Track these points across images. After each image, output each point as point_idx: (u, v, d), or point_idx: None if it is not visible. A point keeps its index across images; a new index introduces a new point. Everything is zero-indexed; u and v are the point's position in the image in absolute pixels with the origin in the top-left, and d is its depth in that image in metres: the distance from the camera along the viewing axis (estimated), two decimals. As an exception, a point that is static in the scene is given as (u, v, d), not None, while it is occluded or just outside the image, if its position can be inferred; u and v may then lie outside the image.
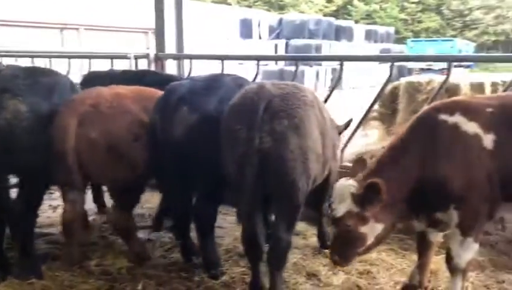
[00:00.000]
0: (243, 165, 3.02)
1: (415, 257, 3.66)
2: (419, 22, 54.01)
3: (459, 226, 2.94)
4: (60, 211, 5.25)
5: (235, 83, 3.72)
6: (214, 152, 3.30)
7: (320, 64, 24.61)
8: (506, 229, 4.32)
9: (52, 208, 5.38)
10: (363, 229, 2.98)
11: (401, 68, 29.53)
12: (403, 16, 53.50)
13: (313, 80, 24.34)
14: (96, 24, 19.01)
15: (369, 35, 31.88)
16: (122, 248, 4.19)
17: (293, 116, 3.03)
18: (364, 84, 21.77)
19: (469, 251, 2.99)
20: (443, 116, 2.96)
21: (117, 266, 3.91)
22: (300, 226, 4.79)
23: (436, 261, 3.87)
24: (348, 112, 5.51)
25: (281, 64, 23.63)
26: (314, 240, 4.49)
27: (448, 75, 4.48)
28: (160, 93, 3.79)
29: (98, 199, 5.25)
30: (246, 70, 5.49)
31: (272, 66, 24.30)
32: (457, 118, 2.92)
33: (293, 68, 23.17)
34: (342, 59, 5.20)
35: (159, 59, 6.32)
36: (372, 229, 3.00)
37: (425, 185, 2.94)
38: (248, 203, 3.10)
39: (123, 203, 3.84)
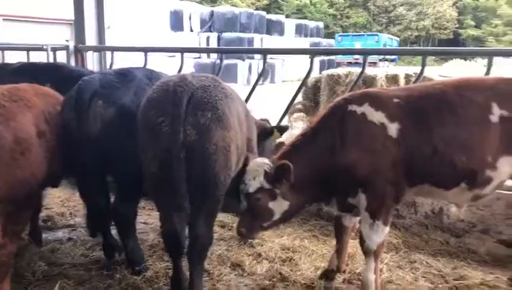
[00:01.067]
0: (168, 160, 2.91)
1: (335, 242, 3.80)
2: (348, 17, 55.95)
3: (367, 209, 3.10)
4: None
5: (147, 76, 3.65)
6: (132, 147, 3.21)
7: (253, 58, 24.82)
8: (418, 212, 4.60)
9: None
10: (271, 204, 3.17)
11: (330, 62, 30.53)
12: (332, 11, 55.15)
13: (246, 73, 24.51)
14: (17, 14, 17.88)
15: (300, 30, 32.57)
16: (37, 250, 4.02)
17: (216, 108, 3.00)
18: (295, 77, 22.24)
19: (379, 234, 3.12)
20: (352, 107, 3.13)
21: (34, 269, 3.74)
22: (227, 218, 4.84)
23: (353, 245, 4.06)
24: (278, 104, 5.62)
25: (214, 57, 23.56)
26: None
27: (363, 67, 4.68)
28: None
29: None
30: (178, 63, 5.38)
31: (204, 59, 24.18)
32: (365, 108, 3.08)
33: (226, 61, 23.24)
34: (265, 52, 5.26)
35: (79, 51, 6.07)
36: (279, 206, 3.18)
37: (336, 170, 3.10)
38: (176, 199, 2.96)
39: None
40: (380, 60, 25.91)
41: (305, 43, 30.90)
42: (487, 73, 4.20)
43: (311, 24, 35.86)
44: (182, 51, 5.57)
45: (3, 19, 17.79)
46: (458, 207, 3.85)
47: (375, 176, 3.04)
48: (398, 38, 44.78)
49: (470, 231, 4.35)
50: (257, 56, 24.36)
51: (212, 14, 26.62)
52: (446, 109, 3.01)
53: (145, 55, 5.60)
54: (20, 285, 3.50)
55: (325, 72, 6.98)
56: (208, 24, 25.77)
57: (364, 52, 4.93)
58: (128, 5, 20.21)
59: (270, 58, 25.24)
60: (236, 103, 3.29)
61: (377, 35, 35.85)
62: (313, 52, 5.07)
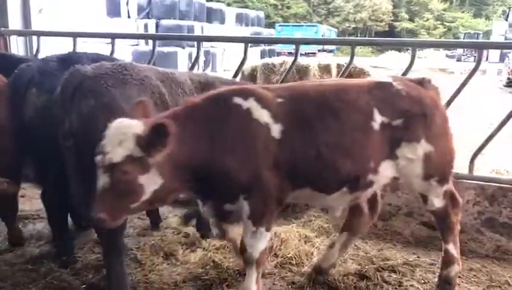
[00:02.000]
0: (64, 149, 3.00)
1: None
2: (288, 7, 56.57)
3: (250, 217, 2.82)
4: None
5: (94, 61, 3.53)
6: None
7: (193, 46, 24.48)
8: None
9: None
10: (142, 179, 2.53)
11: (271, 51, 30.75)
12: (273, 1, 55.50)
13: (186, 62, 24.16)
14: None
15: (241, 19, 32.48)
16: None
17: (102, 96, 2.96)
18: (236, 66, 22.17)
19: (262, 241, 2.89)
20: (237, 100, 2.81)
21: None
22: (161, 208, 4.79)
23: (287, 230, 4.16)
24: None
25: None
26: (173, 221, 4.51)
27: (296, 56, 4.75)
28: None
29: None
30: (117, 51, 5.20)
31: (143, 46, 23.54)
32: (251, 104, 2.79)
33: (165, 49, 22.59)
34: (199, 39, 5.21)
35: (2, 35, 5.71)
36: (151, 182, 2.56)
37: (213, 170, 2.71)
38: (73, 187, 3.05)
39: None
40: (319, 51, 26.46)
41: (245, 32, 30.88)
42: (410, 64, 4.40)
43: (252, 13, 35.87)
44: (114, 36, 5.39)
45: None
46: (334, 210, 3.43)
47: (257, 182, 2.73)
48: (336, 30, 45.88)
49: (396, 214, 4.57)
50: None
51: (150, 0, 25.94)
52: (329, 113, 2.88)
53: (74, 41, 5.37)
54: None
55: (261, 61, 7.04)
56: (145, 10, 25.07)
57: (294, 42, 5.00)
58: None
59: (211, 47, 25.00)
60: (151, 90, 3.19)
61: (315, 26, 36.56)
62: (246, 41, 5.07)
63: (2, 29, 5.76)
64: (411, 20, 59.02)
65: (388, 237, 4.39)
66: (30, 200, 5.03)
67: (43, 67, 3.48)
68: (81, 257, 3.77)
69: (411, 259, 3.90)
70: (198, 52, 5.12)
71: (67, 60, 3.51)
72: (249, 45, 5.03)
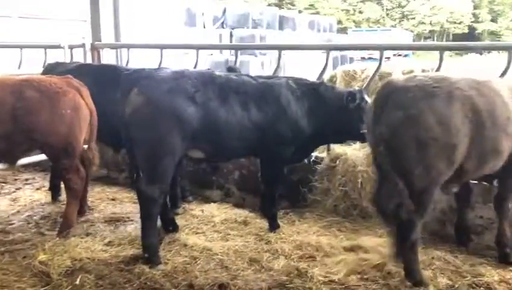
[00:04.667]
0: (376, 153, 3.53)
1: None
2: (361, 12, 55.50)
3: None
4: None
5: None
6: None
7: (265, 54, 24.75)
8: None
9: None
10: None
11: (343, 57, 30.34)
12: (345, 6, 54.78)
13: (259, 70, 24.48)
14: (31, 13, 18.09)
15: (312, 25, 32.38)
16: (59, 243, 4.08)
17: (410, 108, 3.26)
18: (307, 73, 22.10)
19: None
20: None
21: (57, 263, 3.77)
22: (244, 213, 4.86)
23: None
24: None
25: (227, 54, 23.55)
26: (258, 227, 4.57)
27: (380, 63, 4.66)
28: None
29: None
30: (193, 60, 5.43)
31: (217, 56, 24.19)
32: None
33: (240, 58, 23.24)
34: (280, 48, 5.26)
35: (95, 49, 6.13)
36: None
37: None
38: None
39: None
40: (394, 55, 25.67)
41: (318, 39, 30.72)
42: (507, 68, 4.15)
43: (324, 20, 35.64)
44: (198, 48, 5.60)
45: (19, 17, 18.00)
46: None
47: None
48: (411, 33, 44.34)
49: (488, 228, 4.30)
50: (269, 53, 24.27)
51: (224, 10, 26.61)
52: None
53: (161, 52, 5.64)
54: (42, 279, 3.57)
55: (341, 68, 6.96)
56: (220, 20, 25.76)
57: (379, 48, 4.89)
58: (144, 2, 20.30)
59: (283, 54, 25.14)
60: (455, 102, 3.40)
61: (389, 29, 35.57)
62: (327, 48, 5.05)
63: (96, 43, 6.18)
64: (493, 20, 55.61)
65: (480, 251, 4.14)
66: (121, 203, 5.32)
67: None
68: (170, 260, 3.91)
69: (508, 276, 3.65)
70: (278, 61, 5.20)
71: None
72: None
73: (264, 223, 4.57)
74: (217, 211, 4.93)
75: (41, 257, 3.74)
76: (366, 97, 4.19)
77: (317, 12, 45.29)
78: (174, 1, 24.62)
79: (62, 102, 4.15)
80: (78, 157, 4.41)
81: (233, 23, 25.91)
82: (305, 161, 4.87)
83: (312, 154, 4.86)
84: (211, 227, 4.58)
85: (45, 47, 6.06)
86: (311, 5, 51.25)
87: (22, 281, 3.50)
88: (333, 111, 4.21)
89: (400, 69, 6.30)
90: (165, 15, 22.86)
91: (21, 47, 6.42)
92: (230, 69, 5.13)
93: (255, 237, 4.39)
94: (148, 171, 3.83)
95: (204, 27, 25.46)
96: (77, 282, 3.49)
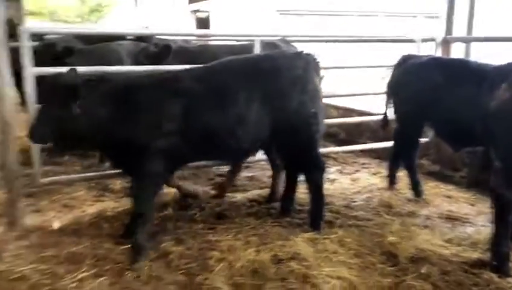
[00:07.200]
0: None
1: None
2: None
3: None
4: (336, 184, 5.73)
5: None
6: None
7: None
8: None
9: (329, 180, 5.81)
10: None
11: None
12: None
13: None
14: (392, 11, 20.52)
15: None
16: (403, 229, 4.23)
17: None
18: None
19: None
20: None
21: (404, 247, 3.85)
22: None
23: None
24: None
25: None
26: None
27: None
28: None
29: None
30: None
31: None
32: None
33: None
34: None
35: (447, 42, 6.04)
36: None
37: None
38: None
39: None
40: None
41: None
42: None
43: None
44: None
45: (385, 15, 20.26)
46: None
47: None
48: None
49: None
50: None
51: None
52: None
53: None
54: (389, 260, 3.78)
55: None
56: None
57: None
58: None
59: None
60: None
61: None
62: None
63: (448, 36, 6.08)
64: None
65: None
66: (457, 202, 5.16)
67: None
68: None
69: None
70: None
71: None
72: None
73: None
74: None
75: (391, 238, 3.96)
76: None
77: None
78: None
79: None
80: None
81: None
82: None
83: None
84: None
85: (400, 41, 6.36)
86: None
87: (372, 255, 3.78)
88: None
89: None
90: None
91: (382, 41, 7.09)
92: None
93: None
94: (510, 171, 3.54)
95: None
96: (423, 271, 3.54)
